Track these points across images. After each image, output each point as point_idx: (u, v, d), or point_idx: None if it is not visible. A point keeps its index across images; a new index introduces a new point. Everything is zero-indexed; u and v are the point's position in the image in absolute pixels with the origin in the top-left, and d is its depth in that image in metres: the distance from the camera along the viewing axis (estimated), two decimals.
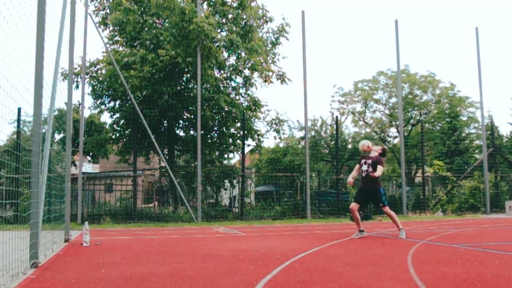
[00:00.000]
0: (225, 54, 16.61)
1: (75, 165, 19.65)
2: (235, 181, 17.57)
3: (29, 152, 4.70)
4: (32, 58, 4.65)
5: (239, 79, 17.54)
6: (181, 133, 18.09)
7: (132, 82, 14.35)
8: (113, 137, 18.03)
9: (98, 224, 12.26)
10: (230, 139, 17.64)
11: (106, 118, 51.39)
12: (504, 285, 3.72)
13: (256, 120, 17.58)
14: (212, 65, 14.92)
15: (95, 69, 16.25)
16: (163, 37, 14.97)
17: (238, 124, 16.95)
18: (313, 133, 25.09)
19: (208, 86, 16.16)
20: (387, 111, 29.19)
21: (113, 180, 21.31)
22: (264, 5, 17.33)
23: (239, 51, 16.39)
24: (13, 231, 4.30)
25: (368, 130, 29.34)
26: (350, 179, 8.14)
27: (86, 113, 17.61)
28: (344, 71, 63.56)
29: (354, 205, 7.85)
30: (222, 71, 17.14)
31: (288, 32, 17.88)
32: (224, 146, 17.83)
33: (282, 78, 17.44)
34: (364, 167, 7.89)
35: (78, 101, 16.31)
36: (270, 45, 17.88)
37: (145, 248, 6.60)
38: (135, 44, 16.49)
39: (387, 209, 7.82)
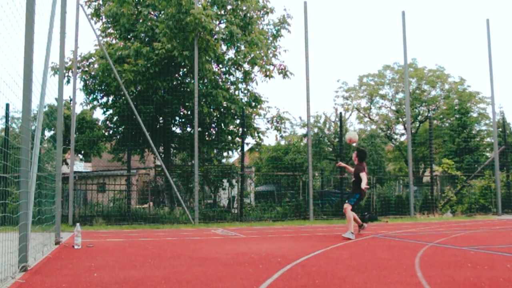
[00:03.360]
0: (224, 48, 16.59)
1: (66, 164, 19.68)
2: (234, 181, 17.57)
3: (18, 150, 4.69)
4: (21, 51, 4.64)
5: (239, 74, 17.53)
6: (178, 130, 18.08)
7: (126, 76, 14.33)
8: (106, 134, 18.02)
9: (90, 226, 12.27)
10: (229, 137, 17.62)
11: (98, 114, 51.25)
12: None
13: (256, 117, 17.57)
14: (210, 59, 14.90)
15: (87, 63, 16.22)
16: (158, 30, 14.95)
17: (237, 121, 16.94)
18: (316, 130, 25.06)
19: (206, 81, 16.14)
20: (393, 107, 29.16)
21: (106, 180, 21.33)
22: None
23: (239, 44, 16.37)
24: (1, 233, 4.31)
25: (373, 127, 29.32)
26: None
27: (78, 109, 17.66)
28: (348, 65, 63.44)
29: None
30: (220, 65, 17.12)
31: (289, 24, 17.88)
32: (223, 144, 17.81)
33: (283, 72, 17.42)
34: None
35: (69, 97, 16.35)
36: (271, 38, 17.86)
37: (139, 251, 6.60)
38: (129, 36, 16.46)
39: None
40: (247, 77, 17.29)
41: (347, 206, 8.55)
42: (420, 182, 24.00)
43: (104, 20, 17.00)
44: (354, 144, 8.75)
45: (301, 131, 25.03)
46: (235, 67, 17.16)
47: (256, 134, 17.36)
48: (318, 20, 66.49)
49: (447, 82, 28.09)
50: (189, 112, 16.94)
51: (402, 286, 3.88)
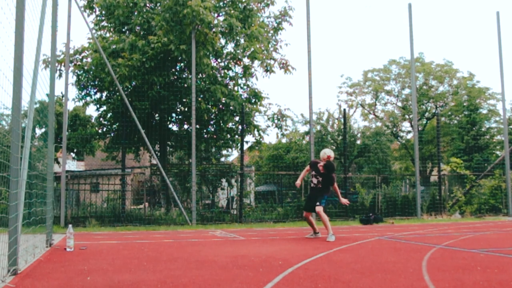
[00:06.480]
0: (222, 41, 16.57)
1: (58, 163, 19.67)
2: (233, 180, 17.58)
3: (8, 149, 4.68)
4: (11, 44, 4.63)
5: (238, 69, 17.52)
6: (174, 128, 18.08)
7: (120, 71, 14.31)
8: (100, 132, 18.00)
9: (83, 227, 12.27)
10: (228, 135, 17.61)
11: (91, 111, 51.30)
12: None
13: (256, 114, 17.56)
14: (208, 53, 14.88)
15: (80, 57, 16.21)
16: (154, 22, 14.93)
17: (237, 118, 16.93)
18: (318, 127, 25.09)
19: (204, 76, 16.13)
20: (399, 104, 29.18)
21: (99, 179, 21.30)
22: None
23: (238, 38, 16.34)
24: None
25: (379, 124, 29.33)
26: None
27: (70, 105, 17.64)
28: (352, 60, 63.50)
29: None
30: (219, 60, 17.10)
31: (291, 16, 17.86)
32: (221, 142, 17.79)
33: (285, 66, 17.39)
34: (314, 180, 8.77)
35: (61, 92, 16.30)
36: (271, 31, 17.83)
37: (134, 253, 6.60)
38: (124, 29, 16.43)
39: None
40: (246, 72, 17.26)
41: (320, 209, 8.48)
42: (427, 182, 24.03)
43: (97, 12, 16.95)
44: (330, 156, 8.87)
45: (303, 128, 25.09)
46: (234, 61, 17.13)
47: (256, 132, 17.34)
48: (321, 13, 66.45)
49: (455, 77, 28.10)
50: (186, 109, 16.92)
51: None
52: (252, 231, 10.90)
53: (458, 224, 12.78)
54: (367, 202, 16.39)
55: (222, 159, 21.60)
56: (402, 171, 29.14)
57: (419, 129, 26.18)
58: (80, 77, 16.27)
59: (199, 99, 15.69)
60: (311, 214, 9.00)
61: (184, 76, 16.96)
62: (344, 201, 8.92)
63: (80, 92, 16.74)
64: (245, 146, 17.44)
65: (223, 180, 18.01)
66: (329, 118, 25.74)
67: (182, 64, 16.56)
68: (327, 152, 8.90)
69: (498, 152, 24.86)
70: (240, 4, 16.55)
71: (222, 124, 17.14)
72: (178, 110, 17.32)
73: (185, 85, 16.23)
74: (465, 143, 24.80)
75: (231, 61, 17.13)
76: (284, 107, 18.08)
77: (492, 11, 35.68)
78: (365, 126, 29.18)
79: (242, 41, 16.36)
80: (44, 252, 6.53)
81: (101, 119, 17.47)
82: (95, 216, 13.74)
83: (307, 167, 9.08)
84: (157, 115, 17.01)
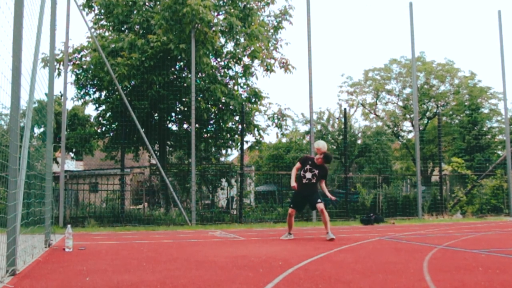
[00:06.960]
0: (222, 40, 16.57)
1: (56, 163, 19.68)
2: (233, 180, 17.58)
3: (7, 148, 4.68)
4: (9, 43, 4.63)
5: (238, 68, 17.52)
6: (174, 127, 18.08)
7: (119, 70, 14.31)
8: (99, 131, 18.01)
9: (82, 228, 12.27)
10: (228, 134, 17.61)
11: (90, 110, 51.33)
12: None
13: (257, 113, 17.55)
14: (207, 52, 14.88)
15: (79, 56, 16.22)
16: (154, 21, 14.93)
17: (237, 118, 16.93)
18: (319, 127, 25.08)
19: (204, 75, 16.13)
20: (400, 103, 29.15)
21: (98, 179, 21.30)
22: None
23: (238, 37, 16.34)
24: None
25: (379, 123, 29.31)
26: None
27: (69, 105, 17.62)
28: (353, 59, 63.49)
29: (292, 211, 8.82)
30: (218, 59, 17.10)
31: (291, 15, 17.86)
32: (221, 141, 17.79)
33: (285, 65, 17.38)
34: (308, 175, 8.59)
35: (60, 92, 16.31)
36: (271, 30, 17.83)
37: (133, 253, 6.61)
38: (123, 28, 16.44)
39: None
40: (246, 71, 17.26)
41: (323, 206, 8.43)
42: (428, 182, 23.99)
43: (96, 11, 16.96)
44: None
45: (303, 128, 25.07)
46: (234, 60, 17.13)
47: (256, 131, 17.35)
48: (321, 11, 66.48)
49: (456, 76, 28.05)
50: (186, 108, 16.92)
51: None
52: (252, 231, 10.90)
53: (459, 225, 12.78)
54: (368, 202, 16.38)
55: (222, 159, 21.61)
56: (403, 171, 29.12)
57: (420, 128, 26.15)
58: (79, 76, 16.27)
59: (199, 98, 15.68)
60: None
61: (183, 75, 16.96)
62: (332, 197, 8.83)
63: (79, 91, 16.75)
64: (245, 146, 17.45)
65: (223, 180, 18.00)
66: (330, 118, 25.74)
67: (181, 63, 16.56)
68: (325, 146, 8.81)
69: (499, 152, 24.82)
70: (240, 3, 16.56)
71: (222, 123, 17.14)
72: (178, 109, 17.32)
73: (185, 84, 16.22)
74: (466, 143, 24.77)
75: (231, 60, 17.13)
76: (284, 106, 18.09)
77: (493, 10, 35.66)
78: (365, 126, 29.15)
79: (242, 40, 16.35)
80: (42, 253, 6.53)
81: (100, 118, 17.48)
82: (94, 216, 13.75)
83: (297, 165, 8.84)
84: (156, 114, 17.01)
